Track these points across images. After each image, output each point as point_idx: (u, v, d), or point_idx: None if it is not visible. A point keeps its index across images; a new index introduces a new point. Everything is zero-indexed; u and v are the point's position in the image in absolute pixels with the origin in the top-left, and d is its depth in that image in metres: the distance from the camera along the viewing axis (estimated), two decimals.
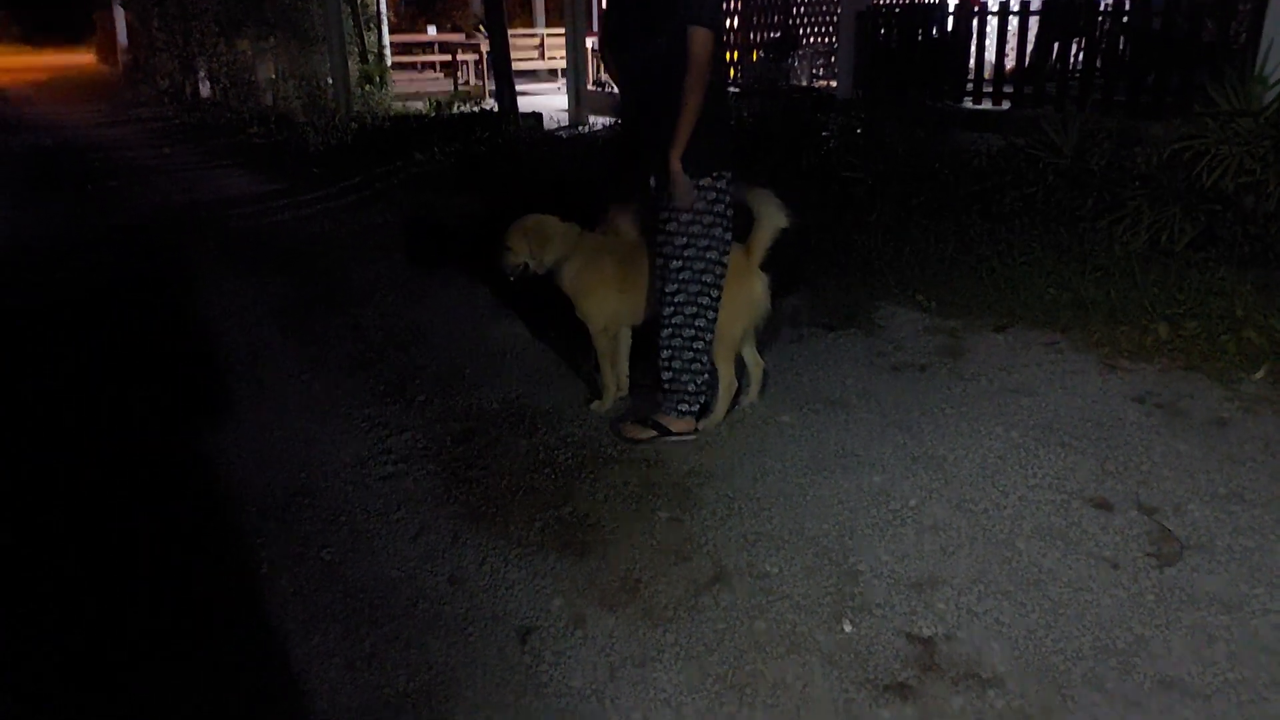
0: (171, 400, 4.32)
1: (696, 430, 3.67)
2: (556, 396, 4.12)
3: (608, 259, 3.81)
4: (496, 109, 11.00)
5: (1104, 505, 3.15)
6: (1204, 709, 2.29)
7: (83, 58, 31.25)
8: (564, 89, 13.47)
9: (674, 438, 3.65)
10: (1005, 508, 3.16)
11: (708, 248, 3.43)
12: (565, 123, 12.11)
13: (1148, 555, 2.87)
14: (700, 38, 3.18)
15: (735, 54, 11.17)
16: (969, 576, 2.81)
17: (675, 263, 3.47)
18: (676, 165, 3.29)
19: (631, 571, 2.89)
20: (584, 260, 3.83)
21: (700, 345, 3.55)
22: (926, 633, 2.58)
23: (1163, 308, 4.51)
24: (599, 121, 11.53)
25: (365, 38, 14.63)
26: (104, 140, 12.67)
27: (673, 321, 3.54)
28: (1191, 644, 2.50)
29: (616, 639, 2.61)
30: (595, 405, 3.97)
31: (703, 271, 3.45)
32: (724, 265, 3.49)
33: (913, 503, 3.20)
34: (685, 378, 3.59)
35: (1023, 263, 5.14)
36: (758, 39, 11.78)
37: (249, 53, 14.69)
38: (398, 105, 13.30)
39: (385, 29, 15.92)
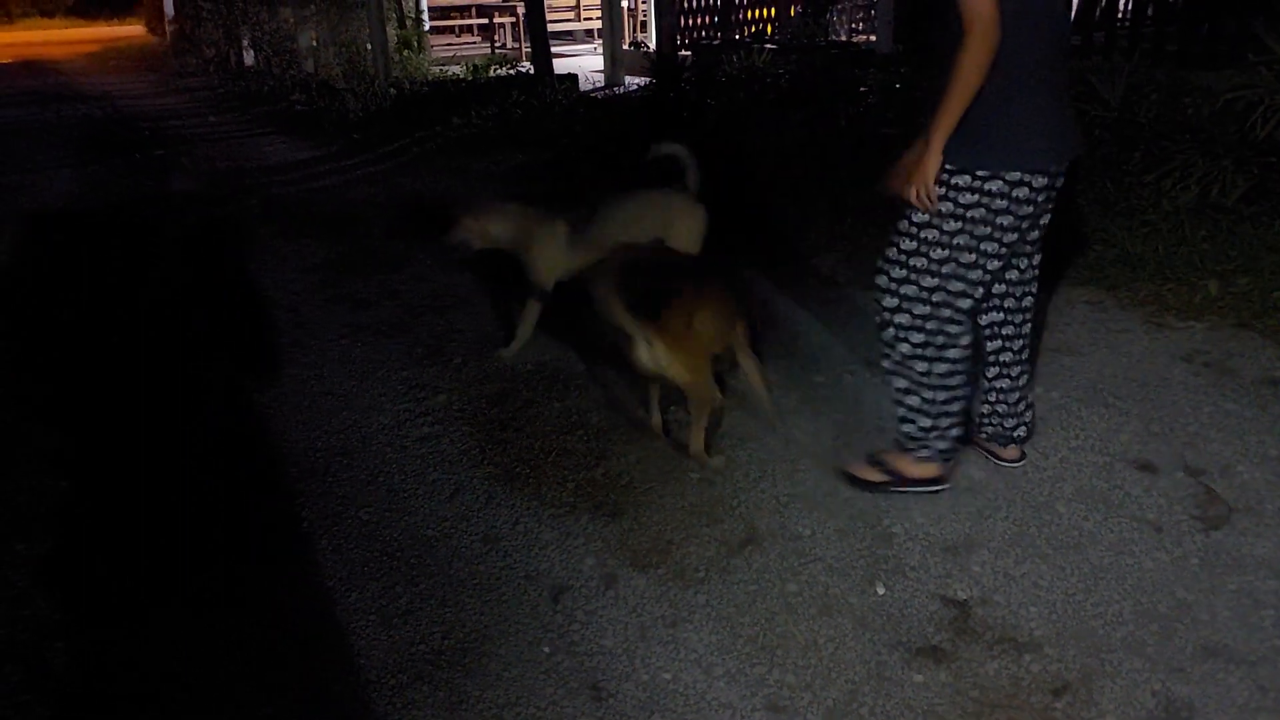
0: (217, 354, 4.40)
1: (940, 479, 2.98)
2: (589, 360, 4.11)
3: None
4: (532, 71, 10.93)
5: (1148, 467, 3.08)
6: (1249, 675, 2.24)
7: (132, 29, 31.49)
8: (600, 49, 13.35)
9: (911, 488, 2.99)
10: (1045, 469, 3.10)
11: (944, 259, 2.64)
12: (601, 83, 11.99)
13: (1193, 518, 2.81)
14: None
15: (773, 10, 10.97)
16: (1006, 539, 2.77)
17: (897, 270, 2.73)
18: (931, 148, 2.53)
19: (663, 533, 2.89)
20: None
21: (930, 383, 2.80)
22: (961, 596, 2.55)
23: (1213, 264, 4.38)
24: (634, 82, 11.39)
25: (403, 3, 14.57)
26: (152, 110, 12.80)
27: (897, 348, 2.80)
28: (1237, 609, 2.44)
29: (648, 599, 2.61)
30: None
31: (934, 289, 2.68)
32: (975, 286, 2.68)
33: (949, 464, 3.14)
34: (915, 416, 2.88)
35: (1067, 219, 5.02)
36: None
37: (291, 20, 14.72)
38: (436, 70, 13.25)
39: None
